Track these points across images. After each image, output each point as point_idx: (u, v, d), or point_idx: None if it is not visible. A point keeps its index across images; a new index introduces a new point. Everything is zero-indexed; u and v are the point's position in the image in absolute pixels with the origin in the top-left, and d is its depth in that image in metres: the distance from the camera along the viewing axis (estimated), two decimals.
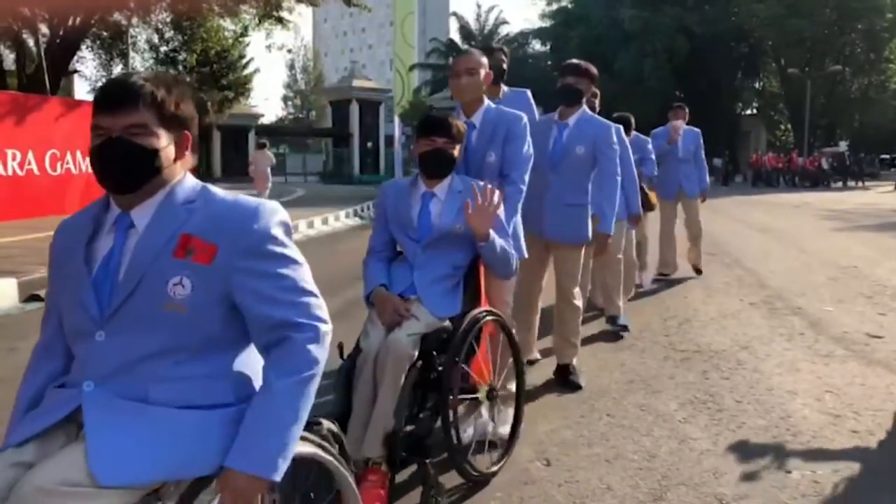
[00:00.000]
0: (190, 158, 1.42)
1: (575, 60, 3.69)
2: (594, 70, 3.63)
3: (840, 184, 29.49)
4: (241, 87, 26.32)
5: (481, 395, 2.48)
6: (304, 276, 1.39)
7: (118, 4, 14.73)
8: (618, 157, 3.61)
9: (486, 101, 2.89)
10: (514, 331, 2.71)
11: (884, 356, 4.16)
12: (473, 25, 44.22)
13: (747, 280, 6.75)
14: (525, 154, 2.85)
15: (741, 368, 3.90)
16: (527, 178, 2.84)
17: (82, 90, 25.64)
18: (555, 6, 41.32)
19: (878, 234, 11.28)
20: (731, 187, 28.11)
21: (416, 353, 2.25)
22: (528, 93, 3.72)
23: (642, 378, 3.74)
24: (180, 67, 23.83)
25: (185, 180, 1.41)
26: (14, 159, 10.69)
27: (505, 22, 45.99)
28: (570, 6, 40.60)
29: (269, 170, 15.39)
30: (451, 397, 2.26)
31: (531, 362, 3.78)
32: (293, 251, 1.39)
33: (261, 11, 15.43)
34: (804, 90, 32.57)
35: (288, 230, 1.40)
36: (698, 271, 6.87)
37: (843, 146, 32.44)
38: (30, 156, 10.97)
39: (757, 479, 2.56)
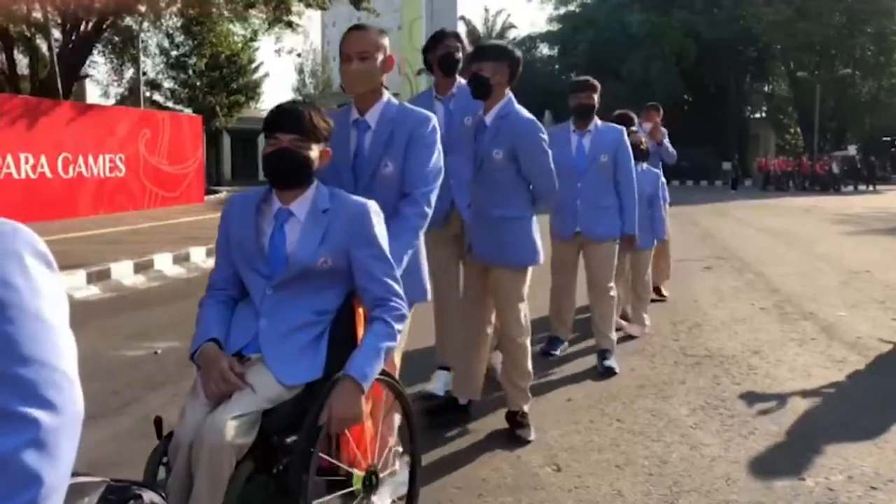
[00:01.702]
0: None
1: (484, 44, 2.98)
2: (502, 47, 2.90)
3: (850, 187, 29.31)
4: (251, 92, 26.49)
5: (356, 483, 1.78)
6: (37, 334, 0.86)
7: (129, 9, 14.85)
8: (548, 156, 2.93)
9: (386, 96, 2.28)
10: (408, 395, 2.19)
11: None
12: (481, 29, 44.25)
13: (758, 284, 6.71)
14: (433, 167, 2.23)
15: (753, 374, 3.88)
16: (433, 198, 2.22)
17: (94, 94, 25.89)
18: (563, 10, 41.31)
19: (890, 237, 11.20)
20: (740, 191, 27.99)
21: (250, 441, 1.62)
22: None
23: (652, 383, 3.72)
24: (190, 72, 24.01)
25: None
26: (27, 163, 10.81)
27: (513, 26, 45.91)
28: (577, 10, 40.58)
29: None
30: (302, 495, 1.62)
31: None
32: (33, 298, 0.87)
33: (270, 16, 15.50)
34: (813, 93, 32.39)
35: (42, 261, 0.90)
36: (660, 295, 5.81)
37: (852, 150, 32.23)
38: (42, 159, 11.08)
39: (769, 487, 2.54)
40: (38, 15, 14.07)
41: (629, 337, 4.61)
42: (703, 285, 6.63)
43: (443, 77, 3.22)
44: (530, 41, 43.47)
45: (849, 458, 2.78)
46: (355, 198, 1.92)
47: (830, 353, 4.30)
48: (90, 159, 12.21)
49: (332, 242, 1.83)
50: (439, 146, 2.27)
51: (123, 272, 6.92)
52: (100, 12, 14.16)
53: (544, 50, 43.33)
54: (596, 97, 4.01)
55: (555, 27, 41.62)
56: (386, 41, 2.23)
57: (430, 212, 2.21)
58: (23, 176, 10.71)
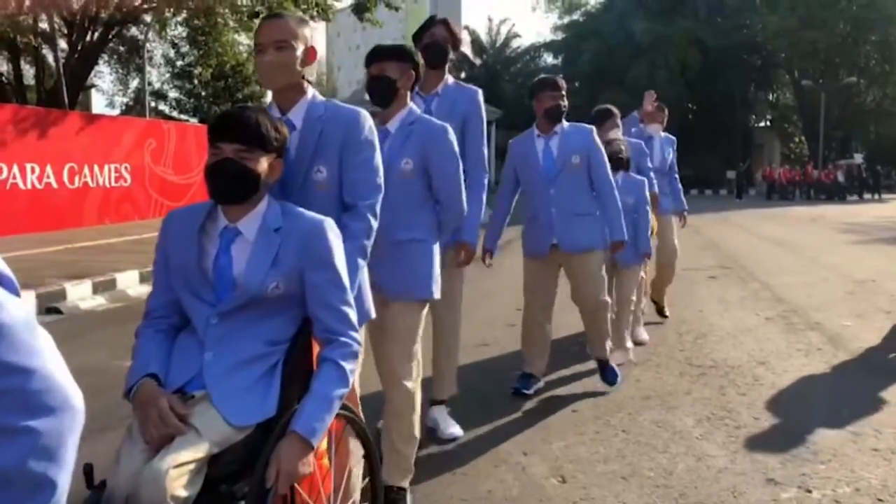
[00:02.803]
0: None
1: (380, 45, 2.58)
2: (406, 48, 2.56)
3: (856, 196, 29.26)
4: (256, 101, 26.62)
5: None
6: (9, 343, 0.78)
7: (135, 19, 14.99)
8: (460, 167, 2.56)
9: (311, 92, 1.98)
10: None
11: None
12: (485, 39, 44.46)
13: (763, 294, 6.69)
14: (375, 172, 1.98)
15: (758, 384, 3.86)
16: (378, 208, 1.98)
17: (99, 104, 26.20)
18: (567, 19, 41.46)
19: None
20: (745, 200, 27.96)
21: (195, 492, 1.42)
22: (480, 93, 3.04)
23: (658, 394, 3.71)
24: (196, 81, 24.16)
25: None
26: (33, 173, 10.86)
27: (517, 35, 46.09)
28: (582, 19, 40.72)
29: None
30: None
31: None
32: None
33: None
34: (818, 102, 32.39)
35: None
36: (662, 314, 5.45)
37: (858, 158, 32.20)
38: (48, 170, 11.14)
39: (776, 499, 2.52)
40: (44, 25, 14.21)
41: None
42: (709, 295, 6.62)
43: (427, 69, 2.80)
44: (535, 50, 43.63)
45: (855, 469, 2.77)
46: (311, 214, 1.71)
47: (836, 364, 4.28)
48: (96, 169, 12.27)
49: (285, 265, 1.62)
50: (377, 146, 2.01)
51: (129, 282, 6.94)
52: (105, 22, 14.29)
53: (548, 59, 43.43)
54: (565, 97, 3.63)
55: (559, 36, 41.76)
56: (307, 31, 1.94)
57: (376, 224, 1.96)
58: (29, 186, 10.76)
